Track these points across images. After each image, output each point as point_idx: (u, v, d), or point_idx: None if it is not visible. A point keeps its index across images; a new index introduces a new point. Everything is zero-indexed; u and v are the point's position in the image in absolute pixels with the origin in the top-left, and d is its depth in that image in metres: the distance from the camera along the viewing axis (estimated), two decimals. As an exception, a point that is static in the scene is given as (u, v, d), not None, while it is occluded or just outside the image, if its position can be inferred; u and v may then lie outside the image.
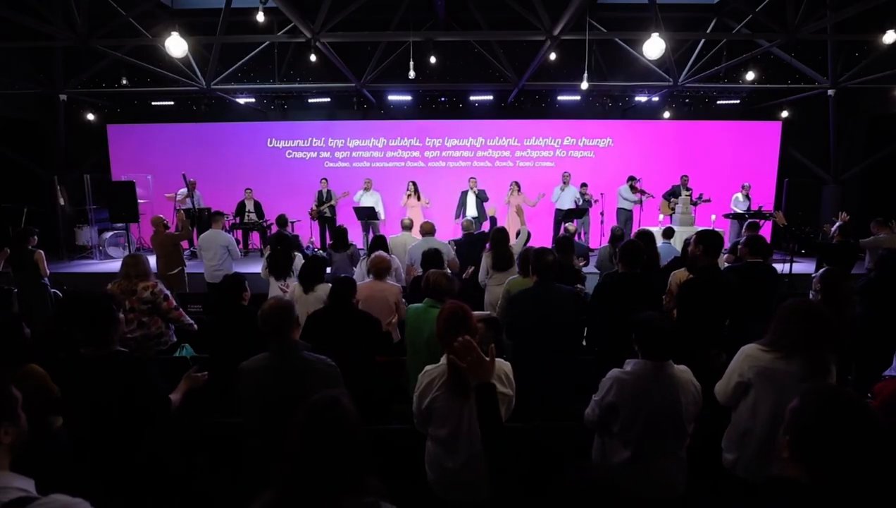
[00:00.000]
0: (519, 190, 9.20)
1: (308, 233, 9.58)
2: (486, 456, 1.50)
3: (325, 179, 9.83)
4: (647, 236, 4.68)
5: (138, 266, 3.76)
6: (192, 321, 3.86)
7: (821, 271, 3.12)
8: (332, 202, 9.63)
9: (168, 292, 3.78)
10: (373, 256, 4.02)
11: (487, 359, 1.61)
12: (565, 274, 4.42)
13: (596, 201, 9.61)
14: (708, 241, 3.35)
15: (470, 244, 5.70)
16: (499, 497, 1.45)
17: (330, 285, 3.47)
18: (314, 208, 9.47)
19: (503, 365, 2.14)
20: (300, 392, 1.43)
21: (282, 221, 6.91)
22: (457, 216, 9.31)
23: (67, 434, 2.17)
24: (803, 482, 1.17)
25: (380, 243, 5.02)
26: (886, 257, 4.04)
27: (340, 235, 5.60)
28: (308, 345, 2.31)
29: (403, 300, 3.98)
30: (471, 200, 9.23)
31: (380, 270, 3.91)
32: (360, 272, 4.95)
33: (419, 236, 6.17)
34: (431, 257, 4.10)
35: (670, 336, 2.15)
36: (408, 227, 6.02)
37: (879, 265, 3.98)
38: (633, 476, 2.16)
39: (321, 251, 9.41)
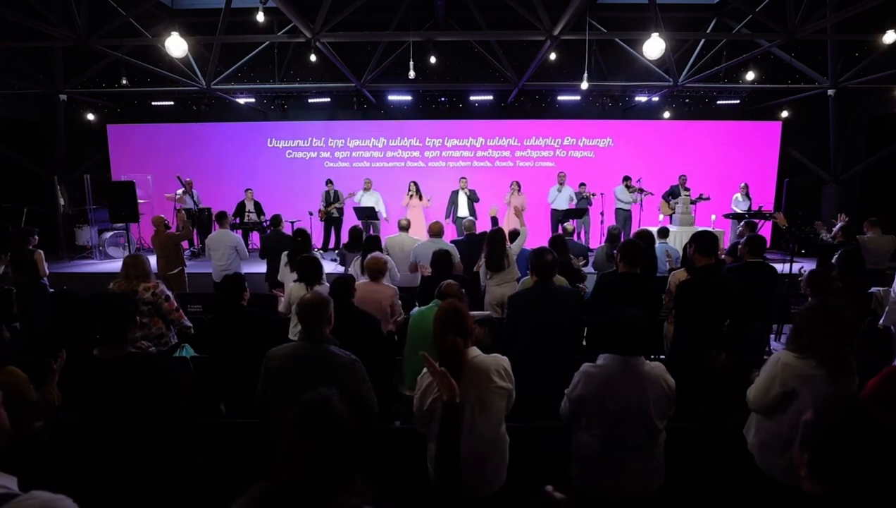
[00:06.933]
0: (519, 190, 9.20)
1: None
2: (435, 466, 1.61)
3: (330, 180, 9.84)
4: (647, 237, 4.67)
5: (139, 267, 3.72)
6: (190, 324, 3.84)
7: (808, 271, 3.13)
8: (340, 204, 9.65)
9: (169, 293, 3.74)
10: (368, 257, 3.97)
11: (454, 382, 1.84)
12: (565, 273, 4.42)
13: (594, 196, 9.60)
14: (698, 240, 3.37)
15: (471, 245, 5.70)
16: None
17: (327, 285, 3.46)
18: (322, 208, 9.49)
19: (501, 360, 2.18)
20: (324, 383, 1.45)
21: (276, 220, 6.84)
22: (447, 216, 9.30)
23: (47, 435, 2.17)
24: (818, 495, 1.15)
25: (374, 243, 4.97)
26: (846, 254, 4.04)
27: (355, 235, 5.61)
28: (337, 341, 2.34)
29: (399, 302, 3.97)
30: (462, 200, 9.22)
31: (374, 271, 3.86)
32: (353, 272, 4.95)
33: (416, 236, 6.17)
34: (442, 258, 4.08)
35: (639, 332, 2.17)
36: (405, 227, 6.01)
37: (840, 264, 3.98)
38: (605, 471, 2.18)
39: (321, 251, 9.44)
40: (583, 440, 2.25)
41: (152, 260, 6.40)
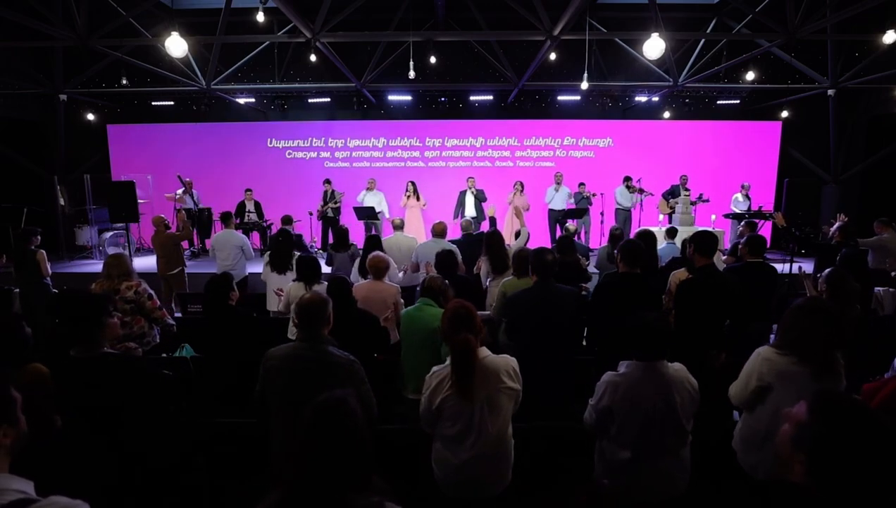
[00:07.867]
0: (522, 191, 9.20)
1: (309, 233, 9.60)
2: None
3: (328, 180, 9.84)
4: (648, 237, 4.66)
5: (121, 266, 3.69)
6: (173, 322, 3.81)
7: (826, 271, 3.10)
8: (335, 204, 9.64)
9: (152, 292, 3.72)
10: (371, 256, 3.99)
11: None
12: (571, 273, 4.43)
13: (594, 196, 9.60)
14: (698, 240, 3.37)
15: (469, 245, 5.70)
16: None
17: (325, 284, 3.46)
18: (320, 207, 9.51)
19: (510, 361, 2.18)
20: (324, 384, 1.44)
21: (286, 220, 6.93)
22: (455, 216, 9.33)
23: (63, 435, 2.16)
24: (811, 489, 1.14)
25: (374, 243, 4.97)
26: (849, 255, 4.02)
27: (341, 235, 5.63)
28: (335, 342, 2.33)
29: (402, 300, 3.98)
30: (469, 200, 9.24)
31: (378, 270, 3.89)
32: (353, 273, 4.96)
33: (412, 236, 6.19)
34: (446, 258, 4.10)
35: (662, 337, 2.14)
36: (399, 226, 6.02)
37: (843, 264, 3.95)
38: (634, 476, 2.16)
39: (321, 251, 9.44)
40: (610, 448, 2.22)
41: (152, 260, 6.45)
